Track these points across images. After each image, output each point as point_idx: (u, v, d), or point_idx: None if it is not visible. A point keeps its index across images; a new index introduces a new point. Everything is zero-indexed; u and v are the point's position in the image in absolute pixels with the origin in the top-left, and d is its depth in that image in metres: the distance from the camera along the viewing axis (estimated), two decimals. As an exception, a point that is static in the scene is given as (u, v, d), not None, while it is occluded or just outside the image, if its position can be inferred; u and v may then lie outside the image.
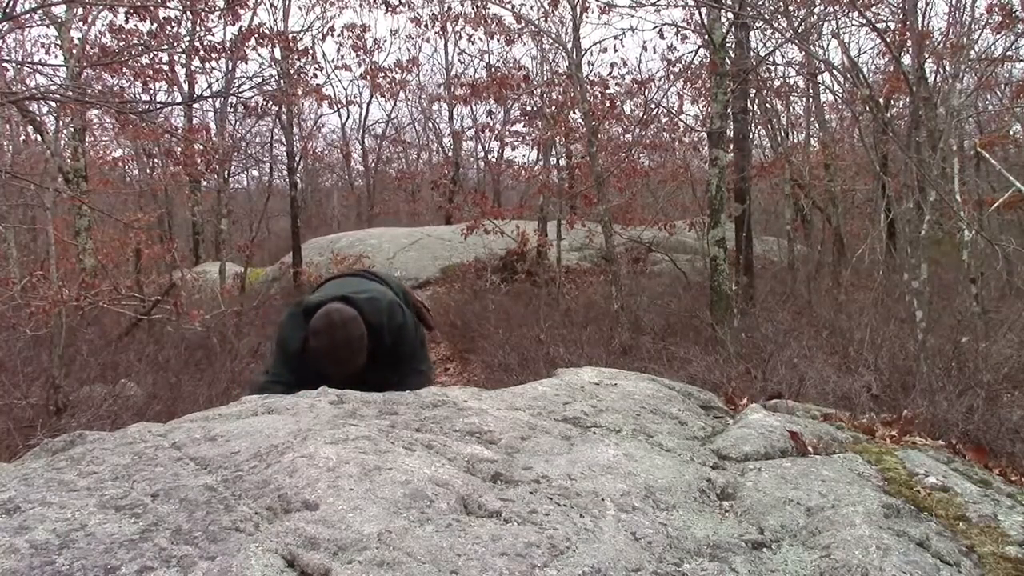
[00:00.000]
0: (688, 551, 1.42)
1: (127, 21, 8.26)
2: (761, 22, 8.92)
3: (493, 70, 13.26)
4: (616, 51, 34.89)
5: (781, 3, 7.99)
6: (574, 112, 11.02)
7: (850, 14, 9.20)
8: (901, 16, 9.21)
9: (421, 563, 1.26)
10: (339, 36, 15.75)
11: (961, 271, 7.26)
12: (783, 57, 12.43)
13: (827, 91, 13.69)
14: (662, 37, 19.92)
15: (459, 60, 22.94)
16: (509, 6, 10.29)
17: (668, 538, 1.44)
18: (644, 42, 36.47)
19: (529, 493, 1.56)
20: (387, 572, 1.23)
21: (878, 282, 8.14)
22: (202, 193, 16.75)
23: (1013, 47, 9.04)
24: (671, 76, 11.17)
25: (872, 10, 9.33)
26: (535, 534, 1.39)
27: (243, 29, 10.76)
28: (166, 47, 9.19)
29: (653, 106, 10.69)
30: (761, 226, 14.99)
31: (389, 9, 12.80)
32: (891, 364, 5.29)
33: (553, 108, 11.49)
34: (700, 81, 11.85)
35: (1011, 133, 13.30)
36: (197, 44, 9.94)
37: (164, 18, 8.12)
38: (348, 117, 34.01)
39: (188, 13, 8.62)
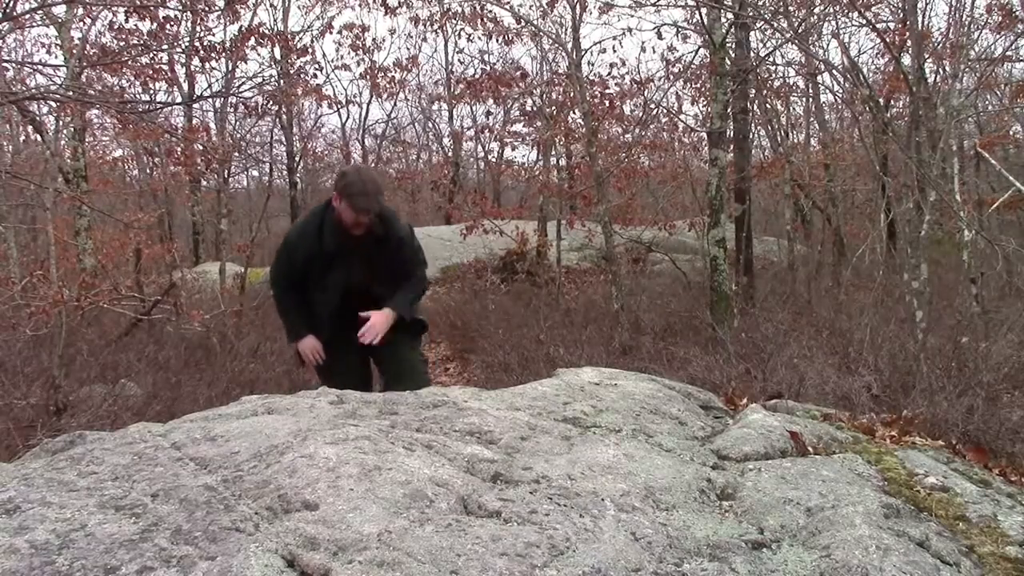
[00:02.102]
0: (688, 551, 1.42)
1: (127, 21, 8.27)
2: (761, 22, 8.91)
3: (490, 68, 13.25)
4: (615, 52, 34.92)
5: (781, 3, 7.98)
6: (574, 112, 11.02)
7: (850, 14, 9.19)
8: (901, 16, 9.20)
9: (421, 563, 1.26)
10: (338, 36, 15.77)
11: (961, 271, 7.26)
12: (783, 57, 12.41)
13: (827, 91, 13.72)
14: (660, 38, 19.88)
15: (459, 60, 22.99)
16: (508, 6, 10.28)
17: (668, 538, 1.44)
18: (643, 43, 36.35)
19: (529, 493, 1.56)
20: (387, 572, 1.23)
21: (878, 282, 8.13)
22: (202, 193, 16.73)
23: (1013, 47, 9.05)
24: (671, 76, 11.16)
25: (872, 10, 9.32)
26: (535, 534, 1.39)
27: (243, 29, 10.75)
28: (166, 47, 9.19)
29: (653, 106, 10.68)
30: (761, 226, 14.98)
31: (388, 12, 12.79)
32: (891, 364, 5.28)
33: (553, 108, 11.48)
34: (700, 81, 11.85)
35: (1011, 133, 13.30)
36: (197, 44, 9.94)
37: (164, 18, 8.10)
38: (348, 117, 33.97)
39: (188, 13, 8.61)
